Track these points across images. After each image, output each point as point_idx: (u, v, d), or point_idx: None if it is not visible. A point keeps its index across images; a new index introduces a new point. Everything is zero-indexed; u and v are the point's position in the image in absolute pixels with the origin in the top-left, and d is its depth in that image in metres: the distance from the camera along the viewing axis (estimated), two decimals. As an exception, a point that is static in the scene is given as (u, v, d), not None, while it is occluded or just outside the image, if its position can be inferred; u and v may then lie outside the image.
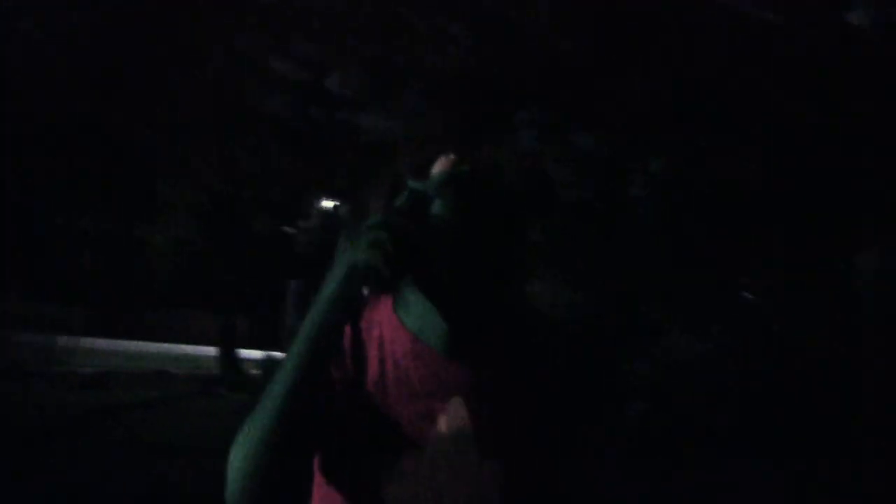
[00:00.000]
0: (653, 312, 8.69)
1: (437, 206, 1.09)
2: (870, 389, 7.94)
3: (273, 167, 11.74)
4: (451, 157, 1.15)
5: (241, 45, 10.36)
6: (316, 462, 1.14)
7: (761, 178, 8.66)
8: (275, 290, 15.25)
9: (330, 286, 1.04)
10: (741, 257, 9.44)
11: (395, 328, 1.16)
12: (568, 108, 8.68)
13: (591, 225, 8.39)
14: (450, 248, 1.09)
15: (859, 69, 7.65)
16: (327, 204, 12.35)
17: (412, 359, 1.14)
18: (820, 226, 8.93)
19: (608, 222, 8.49)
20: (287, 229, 13.50)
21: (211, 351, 14.99)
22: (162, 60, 10.13)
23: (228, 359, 14.04)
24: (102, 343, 16.93)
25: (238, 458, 1.03)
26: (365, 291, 1.07)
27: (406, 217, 1.05)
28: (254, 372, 13.48)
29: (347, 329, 1.14)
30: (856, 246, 9.05)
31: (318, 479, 1.14)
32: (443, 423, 1.10)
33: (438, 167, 1.15)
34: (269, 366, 12.60)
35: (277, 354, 12.95)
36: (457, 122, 8.60)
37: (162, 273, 15.25)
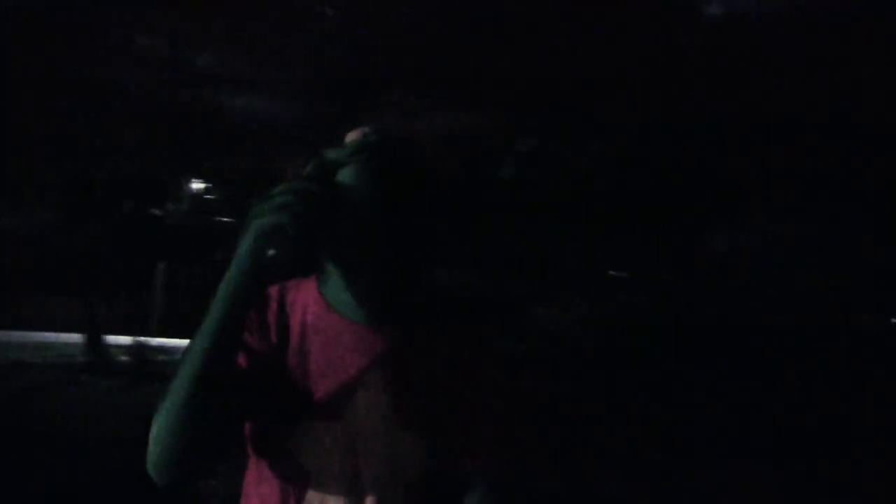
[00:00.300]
0: (521, 288, 9.06)
1: (347, 174, 1.12)
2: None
3: (138, 148, 11.37)
4: (364, 129, 1.19)
5: (104, 20, 9.97)
6: (247, 435, 1.17)
7: (623, 162, 9.16)
8: (142, 274, 14.77)
9: (239, 251, 1.05)
10: (607, 236, 9.92)
11: (316, 301, 1.20)
12: (435, 89, 8.87)
13: (461, 204, 8.65)
14: (361, 216, 1.11)
15: (713, 59, 8.17)
16: (197, 185, 12.07)
17: (332, 330, 1.17)
18: (676, 208, 9.52)
19: (478, 202, 8.76)
20: (154, 211, 13.11)
21: (75, 337, 14.39)
22: (19, 37, 9.63)
23: (94, 345, 13.51)
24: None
25: (157, 428, 1.04)
26: (272, 252, 1.05)
27: (314, 183, 1.06)
28: (122, 358, 13.03)
29: (272, 304, 1.20)
30: (709, 227, 9.71)
31: (250, 452, 1.18)
32: (362, 395, 1.13)
33: (350, 137, 1.18)
34: (138, 351, 12.25)
35: (147, 340, 12.58)
36: (324, 102, 8.66)
37: (19, 259, 14.49)
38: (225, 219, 9.90)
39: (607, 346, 9.03)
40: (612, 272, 10.99)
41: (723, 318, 8.76)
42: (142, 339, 12.44)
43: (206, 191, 11.65)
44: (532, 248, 9.19)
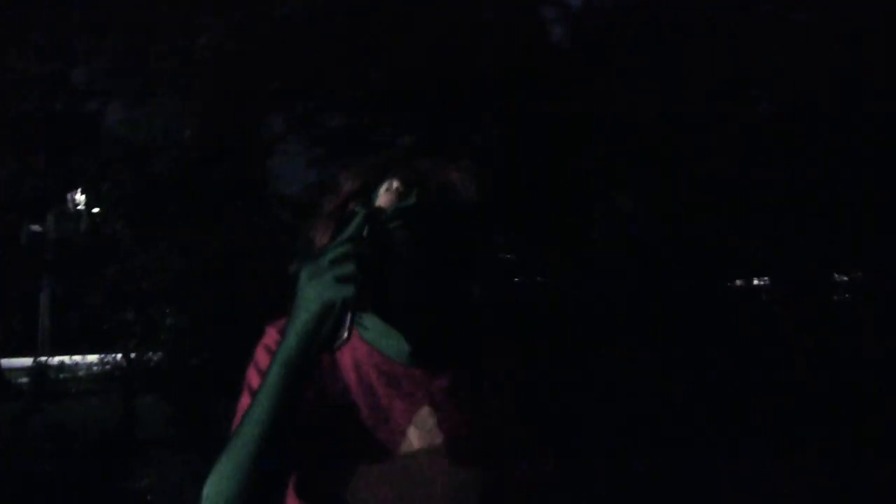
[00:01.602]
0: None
1: (389, 233, 1.11)
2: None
3: (14, 164, 11.07)
4: (395, 184, 1.20)
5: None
6: (293, 483, 1.15)
7: (510, 153, 9.47)
8: (26, 294, 14.42)
9: (298, 321, 1.02)
10: (498, 218, 10.26)
11: (361, 347, 1.20)
12: (320, 95, 9.02)
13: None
14: (405, 271, 1.12)
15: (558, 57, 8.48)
16: (78, 198, 11.82)
17: (375, 371, 1.18)
18: (564, 194, 9.90)
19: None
20: (34, 227, 12.80)
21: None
22: None
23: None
24: None
25: (214, 489, 1.03)
26: (345, 330, 1.03)
27: (366, 246, 1.03)
28: (22, 380, 12.78)
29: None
30: (596, 210, 10.13)
31: (292, 495, 1.15)
32: (412, 434, 1.13)
33: (385, 196, 1.20)
34: (37, 372, 12.04)
35: (47, 360, 12.38)
36: (212, 114, 8.67)
37: None
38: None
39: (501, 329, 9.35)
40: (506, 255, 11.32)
41: (612, 302, 9.19)
42: (42, 359, 12.21)
43: (89, 205, 11.43)
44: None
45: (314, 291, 1.00)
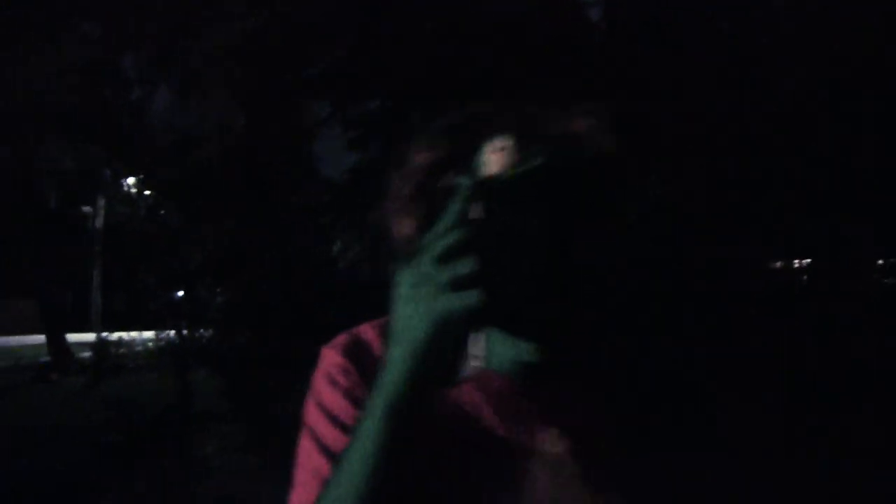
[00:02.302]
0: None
1: (513, 208, 0.78)
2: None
3: (66, 149, 11.62)
4: (506, 141, 0.88)
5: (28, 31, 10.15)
6: None
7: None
8: (79, 272, 15.08)
9: (408, 354, 0.74)
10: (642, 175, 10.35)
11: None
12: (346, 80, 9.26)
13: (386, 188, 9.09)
14: (535, 258, 0.79)
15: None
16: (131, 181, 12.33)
17: (482, 391, 0.94)
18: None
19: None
20: (85, 209, 13.38)
21: (38, 339, 14.73)
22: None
23: (56, 344, 13.88)
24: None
25: None
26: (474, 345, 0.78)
27: (483, 230, 0.74)
28: (82, 354, 13.44)
29: None
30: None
31: None
32: (540, 461, 0.92)
33: (494, 158, 0.87)
34: (100, 347, 12.63)
35: (107, 335, 12.97)
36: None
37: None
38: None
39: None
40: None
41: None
42: (104, 334, 12.81)
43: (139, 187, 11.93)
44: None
45: (421, 306, 0.73)
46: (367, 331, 0.97)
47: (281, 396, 7.44)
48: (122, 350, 12.82)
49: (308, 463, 0.90)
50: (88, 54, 10.67)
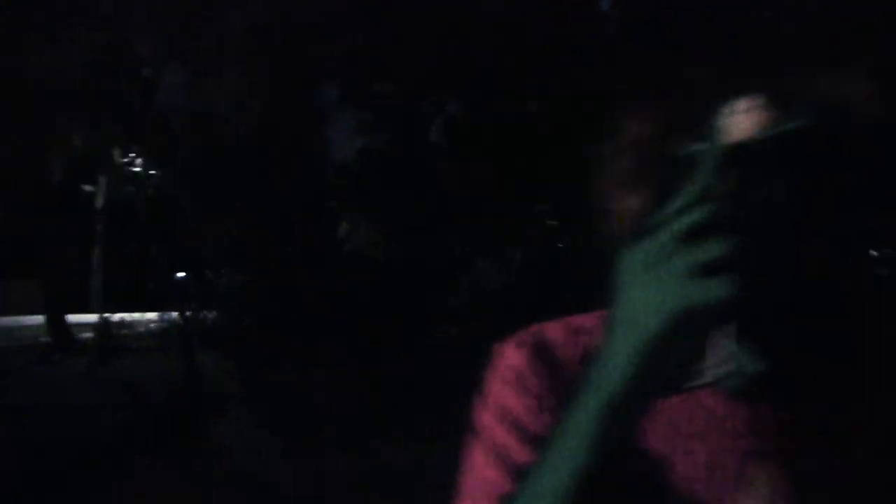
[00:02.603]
0: (460, 248, 9.65)
1: (772, 178, 0.65)
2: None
3: (76, 128, 11.60)
4: (758, 100, 0.72)
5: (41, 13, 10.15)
6: None
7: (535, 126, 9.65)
8: (78, 253, 15.07)
9: (635, 350, 0.60)
10: (536, 190, 10.44)
11: None
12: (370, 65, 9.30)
13: (395, 171, 9.15)
14: (794, 241, 0.65)
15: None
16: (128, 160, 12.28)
17: (684, 406, 0.77)
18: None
19: (412, 167, 9.26)
20: (87, 187, 13.35)
21: (35, 320, 14.74)
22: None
23: (58, 325, 13.86)
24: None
25: None
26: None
27: (736, 205, 0.60)
28: (83, 335, 13.43)
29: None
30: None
31: None
32: (749, 494, 0.75)
33: (744, 120, 0.71)
34: (103, 328, 12.60)
35: (110, 316, 12.95)
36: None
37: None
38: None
39: (544, 294, 9.68)
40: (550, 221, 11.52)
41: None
42: (106, 315, 12.79)
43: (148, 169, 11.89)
44: (468, 204, 9.65)
45: (659, 292, 0.60)
46: (554, 329, 0.82)
47: (293, 379, 7.50)
48: (124, 331, 12.83)
49: (480, 474, 0.78)
50: (103, 37, 10.66)
